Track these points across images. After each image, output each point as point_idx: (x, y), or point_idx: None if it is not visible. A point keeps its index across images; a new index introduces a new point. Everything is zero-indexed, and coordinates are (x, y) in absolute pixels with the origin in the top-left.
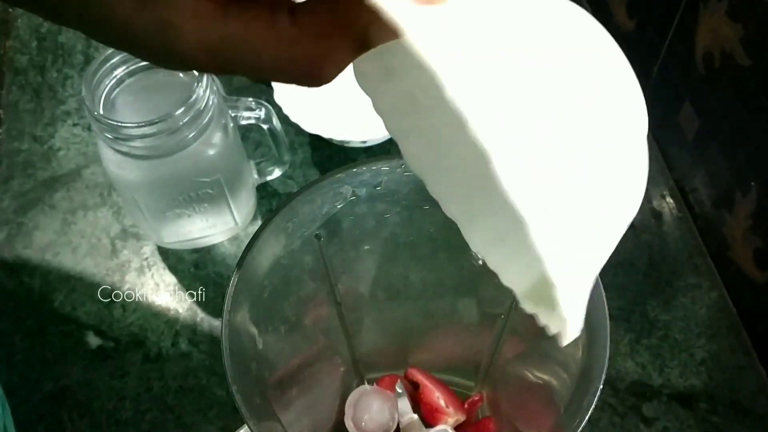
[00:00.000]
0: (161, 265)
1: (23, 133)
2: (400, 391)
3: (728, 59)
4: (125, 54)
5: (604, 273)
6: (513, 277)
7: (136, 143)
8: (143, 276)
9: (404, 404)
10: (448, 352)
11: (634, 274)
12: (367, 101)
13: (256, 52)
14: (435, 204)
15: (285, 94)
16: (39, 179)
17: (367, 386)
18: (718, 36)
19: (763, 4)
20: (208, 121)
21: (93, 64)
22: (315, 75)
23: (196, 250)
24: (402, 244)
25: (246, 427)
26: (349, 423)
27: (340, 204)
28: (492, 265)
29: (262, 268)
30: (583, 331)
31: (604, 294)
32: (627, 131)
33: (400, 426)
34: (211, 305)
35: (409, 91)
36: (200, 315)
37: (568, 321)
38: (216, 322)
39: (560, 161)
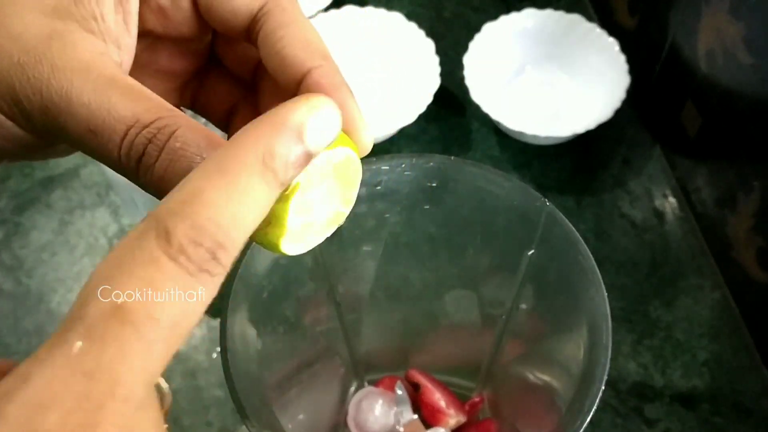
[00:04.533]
0: None
1: None
2: (400, 392)
3: (730, 57)
4: None
5: (605, 273)
6: None
7: None
8: None
9: (405, 405)
10: (449, 353)
11: (636, 274)
12: (367, 101)
13: None
14: (435, 204)
15: None
16: (36, 179)
17: (371, 387)
18: (720, 34)
19: (764, 2)
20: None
21: None
22: None
23: None
24: (402, 244)
25: (244, 428)
26: (351, 424)
27: None
28: None
29: (261, 268)
30: (584, 331)
31: (606, 294)
32: None
33: (402, 427)
34: (210, 305)
35: None
36: None
37: None
38: (214, 323)
39: None
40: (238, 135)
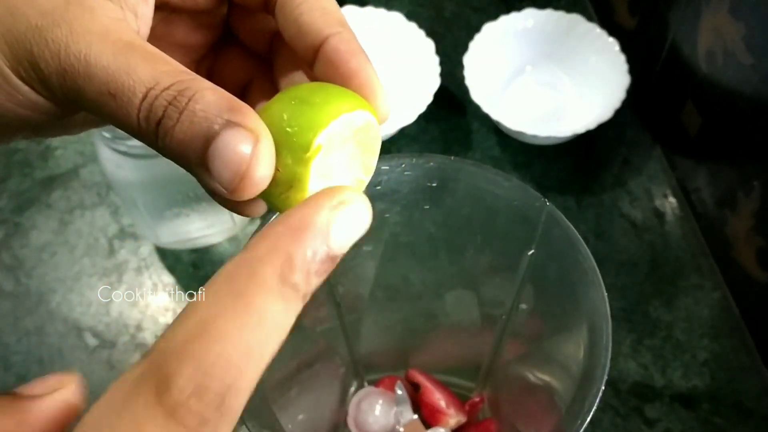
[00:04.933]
0: (159, 265)
1: None
2: (400, 392)
3: (730, 57)
4: None
5: (606, 273)
6: None
7: (134, 142)
8: (141, 276)
9: (405, 405)
10: (449, 354)
11: (636, 274)
12: None
13: None
14: (435, 204)
15: None
16: (36, 178)
17: (371, 387)
18: (720, 34)
19: (764, 2)
20: None
21: None
22: None
23: (194, 250)
24: (402, 244)
25: (245, 428)
26: (351, 424)
27: None
28: None
29: None
30: (584, 331)
31: (606, 294)
32: None
33: (402, 427)
34: None
35: None
36: None
37: None
38: None
39: None
40: (252, 245)
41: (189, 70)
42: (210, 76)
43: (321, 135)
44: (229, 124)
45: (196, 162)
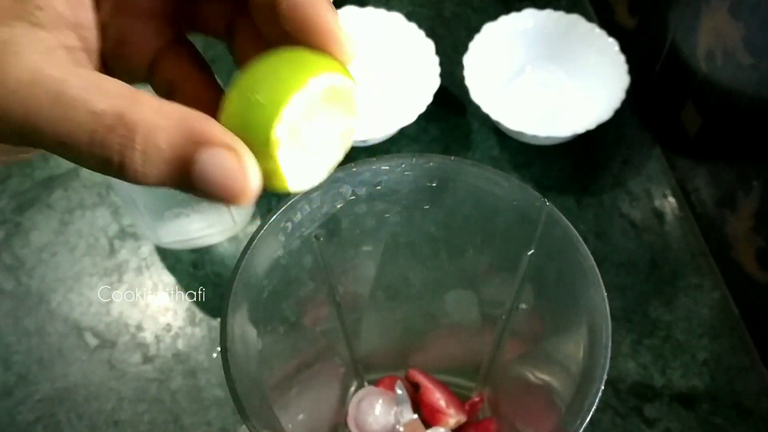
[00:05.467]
0: (159, 265)
1: None
2: (400, 392)
3: (730, 57)
4: None
5: (605, 273)
6: None
7: None
8: (141, 276)
9: (405, 405)
10: (449, 353)
11: (635, 274)
12: (367, 101)
13: None
14: (435, 204)
15: None
16: (37, 178)
17: (371, 387)
18: (719, 34)
19: (764, 2)
20: None
21: None
22: None
23: (194, 250)
24: (402, 244)
25: (245, 428)
26: (351, 424)
27: (339, 204)
28: None
29: (261, 268)
30: (584, 331)
31: (605, 294)
32: None
33: (402, 427)
34: (210, 305)
35: None
36: (199, 315)
37: None
38: (214, 323)
39: None
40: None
41: (124, 89)
42: (193, 28)
43: (277, 128)
44: (200, 145)
45: (180, 187)
